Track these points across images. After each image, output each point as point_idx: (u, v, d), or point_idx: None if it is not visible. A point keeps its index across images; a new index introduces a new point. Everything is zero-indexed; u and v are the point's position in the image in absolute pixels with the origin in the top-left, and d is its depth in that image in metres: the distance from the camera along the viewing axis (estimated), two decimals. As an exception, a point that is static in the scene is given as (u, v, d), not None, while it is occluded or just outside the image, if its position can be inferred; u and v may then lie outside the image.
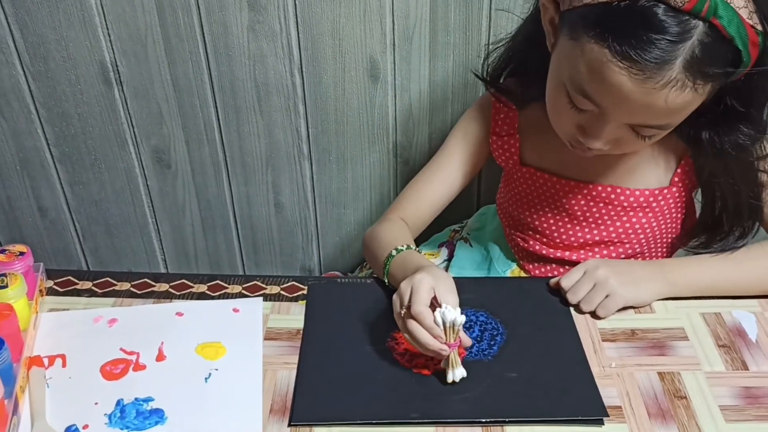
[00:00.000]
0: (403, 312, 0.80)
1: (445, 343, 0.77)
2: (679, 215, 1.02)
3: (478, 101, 1.09)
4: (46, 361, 0.84)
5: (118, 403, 0.79)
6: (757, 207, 0.92)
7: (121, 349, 0.86)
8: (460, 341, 0.79)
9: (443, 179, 1.08)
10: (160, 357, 0.85)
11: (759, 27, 0.71)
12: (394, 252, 0.93)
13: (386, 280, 0.93)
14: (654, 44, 0.70)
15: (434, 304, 0.80)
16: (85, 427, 0.76)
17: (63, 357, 0.85)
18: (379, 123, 1.32)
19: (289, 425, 0.76)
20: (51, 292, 0.95)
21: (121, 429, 0.76)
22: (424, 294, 0.79)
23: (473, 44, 1.23)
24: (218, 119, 1.34)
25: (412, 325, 0.78)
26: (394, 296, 0.84)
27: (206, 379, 0.82)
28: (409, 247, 0.94)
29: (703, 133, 0.85)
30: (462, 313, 0.77)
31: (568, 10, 0.77)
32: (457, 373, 0.79)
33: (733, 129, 0.83)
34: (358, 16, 1.21)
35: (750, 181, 0.89)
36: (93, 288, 0.96)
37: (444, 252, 1.26)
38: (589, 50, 0.75)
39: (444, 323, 0.77)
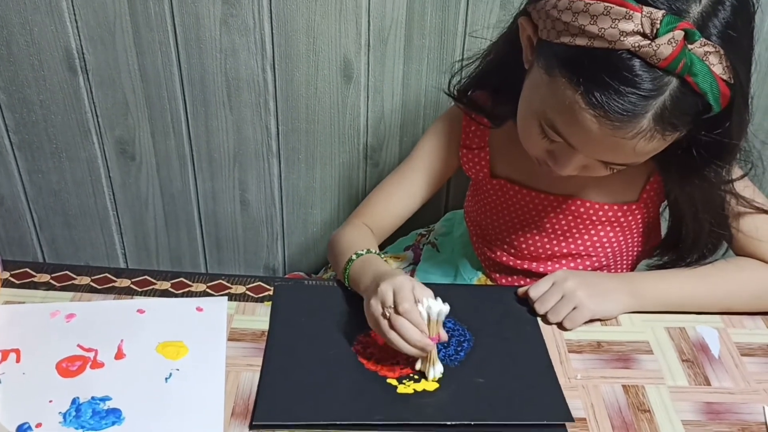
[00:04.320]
0: (388, 312, 0.79)
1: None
2: (645, 230, 1.03)
3: (449, 112, 1.08)
4: (-1, 356, 0.81)
5: (74, 401, 0.76)
6: (719, 235, 0.92)
7: (79, 346, 0.83)
8: (439, 336, 0.79)
9: (409, 190, 1.07)
10: (119, 355, 0.82)
11: (731, 81, 0.72)
12: (354, 256, 0.92)
13: (347, 284, 0.92)
14: (626, 98, 0.70)
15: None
16: (39, 425, 0.73)
17: (17, 352, 0.82)
18: (351, 124, 1.31)
19: (251, 427, 0.75)
20: (6, 284, 0.92)
21: (76, 428, 0.73)
22: (408, 293, 0.79)
23: (448, 48, 1.23)
24: (186, 112, 1.31)
25: (401, 322, 0.77)
26: (372, 300, 0.81)
27: (167, 379, 0.80)
28: (369, 251, 0.93)
29: (671, 160, 0.86)
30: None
31: (545, 41, 0.77)
32: (437, 368, 0.80)
33: (700, 164, 0.83)
34: (334, 14, 1.19)
35: (713, 209, 0.90)
36: (51, 281, 0.93)
37: (409, 255, 1.25)
38: (561, 91, 0.75)
39: (429, 316, 0.78)
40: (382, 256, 0.94)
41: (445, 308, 0.78)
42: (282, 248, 1.49)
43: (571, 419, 0.76)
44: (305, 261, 1.51)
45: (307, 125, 1.32)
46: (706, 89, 0.70)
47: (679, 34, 0.68)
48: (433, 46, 1.23)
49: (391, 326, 0.78)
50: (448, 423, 0.75)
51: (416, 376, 0.81)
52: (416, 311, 0.78)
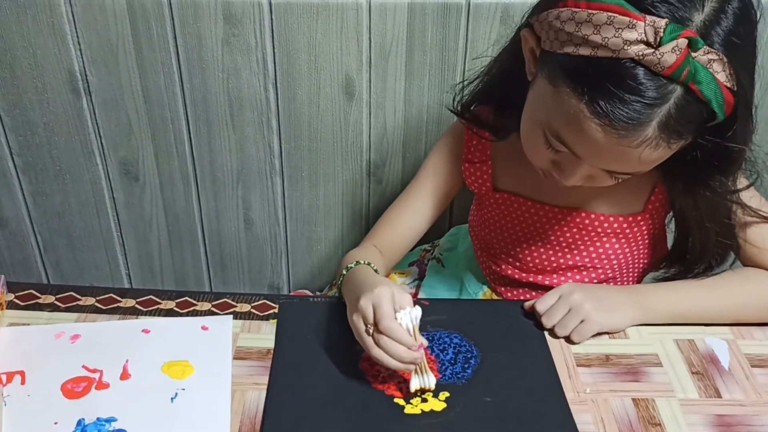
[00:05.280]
0: (370, 329, 0.78)
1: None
2: (652, 242, 1.03)
3: (451, 129, 1.08)
4: (3, 378, 0.81)
5: (79, 423, 0.76)
6: (726, 245, 0.92)
7: (84, 367, 0.83)
8: (421, 343, 0.78)
9: (416, 209, 1.07)
10: (125, 375, 0.82)
11: (735, 88, 0.72)
12: (344, 271, 0.92)
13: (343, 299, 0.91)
14: (630, 106, 0.70)
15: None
16: (44, 447, 0.73)
17: (22, 374, 0.82)
18: (353, 141, 1.31)
19: (258, 448, 0.74)
20: (11, 305, 0.92)
21: (82, 450, 0.73)
22: (388, 307, 0.77)
23: (449, 64, 1.23)
24: (189, 132, 1.31)
25: (384, 341, 0.77)
26: (354, 316, 0.81)
27: (172, 399, 0.80)
28: (358, 262, 0.92)
29: (676, 170, 0.86)
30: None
31: (549, 52, 0.77)
32: (431, 378, 0.79)
33: (705, 173, 0.83)
34: (335, 32, 1.20)
35: (719, 219, 0.89)
36: (56, 302, 0.93)
37: (414, 271, 1.25)
38: (567, 101, 0.75)
39: (411, 325, 0.77)
40: (373, 266, 0.93)
41: (419, 311, 0.78)
42: (286, 266, 1.49)
43: None
44: (310, 279, 1.50)
45: (309, 143, 1.32)
46: (710, 97, 0.70)
47: (682, 42, 0.68)
48: (435, 62, 1.23)
49: (377, 343, 0.78)
50: None
51: (424, 396, 0.80)
52: (398, 328, 0.77)
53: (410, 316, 0.78)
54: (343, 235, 1.44)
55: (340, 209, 1.40)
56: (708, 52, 0.69)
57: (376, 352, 0.78)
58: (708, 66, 0.70)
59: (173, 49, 1.22)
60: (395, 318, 0.77)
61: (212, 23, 1.19)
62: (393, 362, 0.77)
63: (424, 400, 0.79)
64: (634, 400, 0.81)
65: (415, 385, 0.79)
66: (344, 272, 0.92)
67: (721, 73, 0.70)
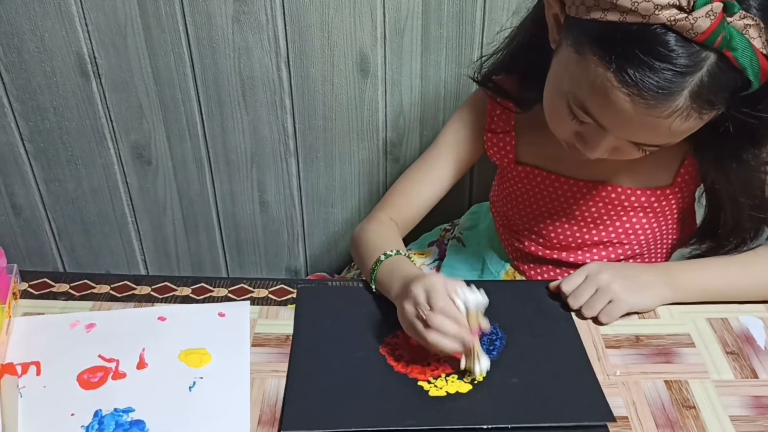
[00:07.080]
0: (424, 313, 0.75)
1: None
2: (681, 217, 1.00)
3: (473, 96, 1.05)
4: (19, 369, 0.80)
5: (96, 414, 0.74)
6: (760, 220, 0.89)
7: (100, 356, 0.81)
8: (480, 328, 0.77)
9: (434, 177, 1.04)
10: (141, 364, 0.80)
11: None
12: (382, 257, 0.89)
13: (373, 287, 0.89)
14: (661, 74, 0.67)
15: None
16: (61, 440, 0.72)
17: (37, 364, 0.80)
18: (369, 119, 1.29)
19: (279, 436, 0.72)
20: (25, 295, 0.90)
21: (100, 442, 0.72)
22: (442, 289, 0.76)
23: (467, 38, 1.20)
24: (201, 114, 1.29)
25: (438, 319, 0.74)
26: (405, 304, 0.78)
27: (190, 388, 0.78)
28: (398, 252, 0.90)
29: (706, 141, 0.82)
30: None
31: (574, 18, 0.74)
32: (483, 363, 0.76)
33: (737, 144, 0.80)
34: (348, 7, 1.17)
35: (752, 192, 0.86)
36: (70, 291, 0.91)
37: (434, 251, 1.23)
38: (593, 70, 0.71)
39: (467, 308, 0.75)
40: (410, 256, 0.91)
41: (484, 299, 0.76)
42: (303, 249, 1.47)
43: (613, 419, 0.73)
44: (327, 261, 1.49)
45: (324, 122, 1.29)
46: (745, 64, 0.67)
47: (717, 6, 0.64)
48: (452, 36, 1.20)
49: (427, 326, 0.75)
50: (484, 426, 0.72)
51: (448, 379, 0.78)
52: (452, 306, 0.75)
53: (468, 299, 0.76)
54: (360, 216, 1.41)
55: (356, 190, 1.38)
56: (744, 17, 0.66)
57: (431, 336, 0.75)
58: (744, 32, 0.66)
59: (182, 29, 1.20)
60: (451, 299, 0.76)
61: (222, 1, 1.16)
62: (446, 344, 0.74)
63: (449, 383, 0.77)
64: (666, 382, 0.78)
65: (463, 363, 0.77)
66: (382, 258, 0.89)
67: (757, 39, 0.67)
